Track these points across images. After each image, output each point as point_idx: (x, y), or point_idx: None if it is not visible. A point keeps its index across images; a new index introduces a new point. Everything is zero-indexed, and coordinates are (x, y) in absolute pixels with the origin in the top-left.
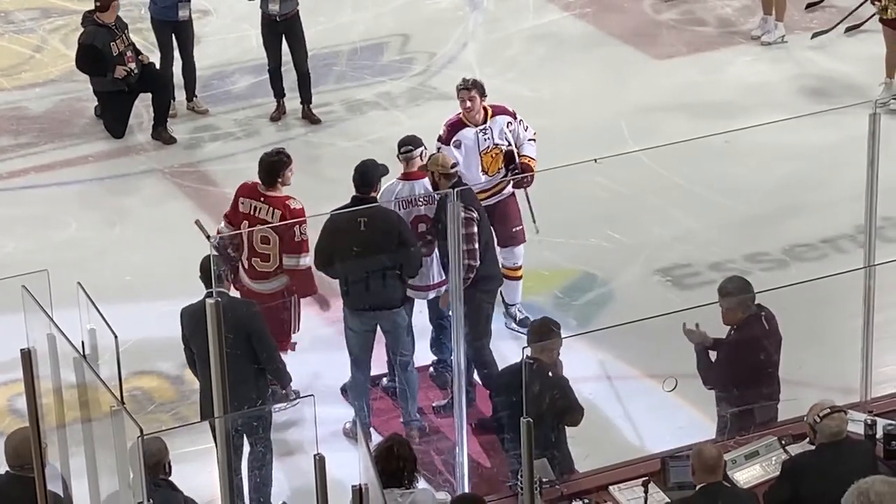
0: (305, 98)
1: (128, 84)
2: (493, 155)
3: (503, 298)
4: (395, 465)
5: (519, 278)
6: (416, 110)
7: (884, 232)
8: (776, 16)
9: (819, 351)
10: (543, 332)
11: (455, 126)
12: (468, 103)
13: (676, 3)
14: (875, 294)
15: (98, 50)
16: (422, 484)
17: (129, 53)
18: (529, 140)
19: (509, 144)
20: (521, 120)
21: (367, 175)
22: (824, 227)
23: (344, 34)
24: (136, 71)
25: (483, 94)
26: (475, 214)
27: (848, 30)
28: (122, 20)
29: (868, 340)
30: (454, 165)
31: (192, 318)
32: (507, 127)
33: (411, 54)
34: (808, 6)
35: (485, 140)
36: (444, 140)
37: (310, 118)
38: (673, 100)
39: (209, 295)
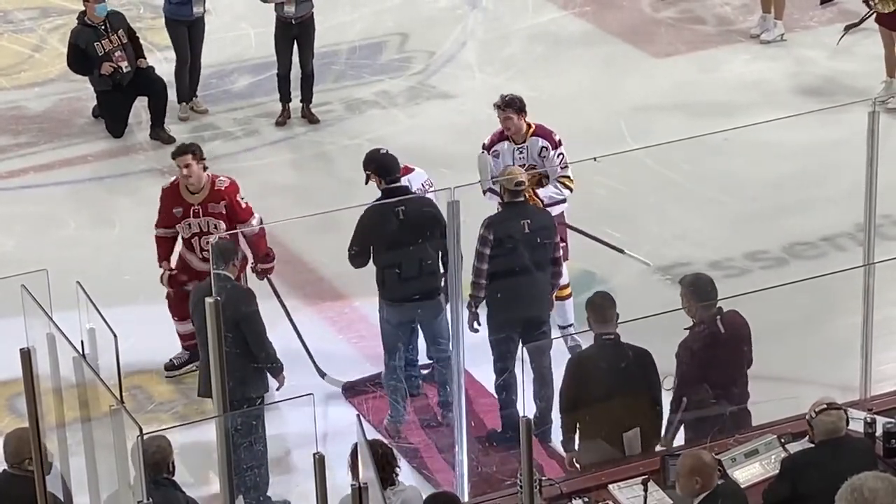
0: (306, 97)
1: (115, 81)
2: (530, 175)
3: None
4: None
5: (564, 298)
6: (415, 109)
7: (883, 230)
8: (775, 14)
9: (818, 349)
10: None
11: (500, 136)
12: (506, 123)
13: (675, 1)
14: (874, 292)
15: (81, 49)
16: (407, 479)
17: (118, 53)
18: (558, 179)
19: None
20: (560, 154)
21: (387, 163)
22: (824, 225)
23: (343, 33)
24: (125, 69)
25: (519, 112)
26: (490, 235)
27: (847, 28)
28: (120, 20)
29: (867, 338)
30: (519, 184)
31: (197, 294)
32: (541, 152)
33: (410, 53)
34: (823, 2)
35: (520, 157)
36: (487, 147)
37: (309, 118)
38: (672, 98)
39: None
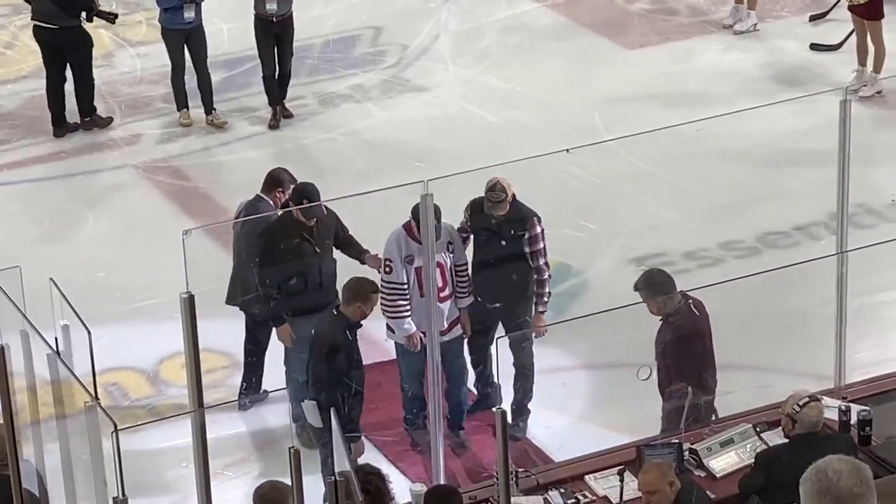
0: (281, 95)
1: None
2: None
3: None
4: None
5: None
6: (389, 102)
7: (856, 219)
8: (748, 4)
9: (792, 338)
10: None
11: None
12: None
13: None
14: (848, 280)
15: None
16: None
17: None
18: None
19: None
20: None
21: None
22: (797, 215)
23: (316, 27)
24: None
25: None
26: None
27: (812, 18)
28: None
29: (841, 327)
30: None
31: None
32: None
33: (384, 46)
34: None
35: None
36: None
37: (283, 112)
38: (645, 89)
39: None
